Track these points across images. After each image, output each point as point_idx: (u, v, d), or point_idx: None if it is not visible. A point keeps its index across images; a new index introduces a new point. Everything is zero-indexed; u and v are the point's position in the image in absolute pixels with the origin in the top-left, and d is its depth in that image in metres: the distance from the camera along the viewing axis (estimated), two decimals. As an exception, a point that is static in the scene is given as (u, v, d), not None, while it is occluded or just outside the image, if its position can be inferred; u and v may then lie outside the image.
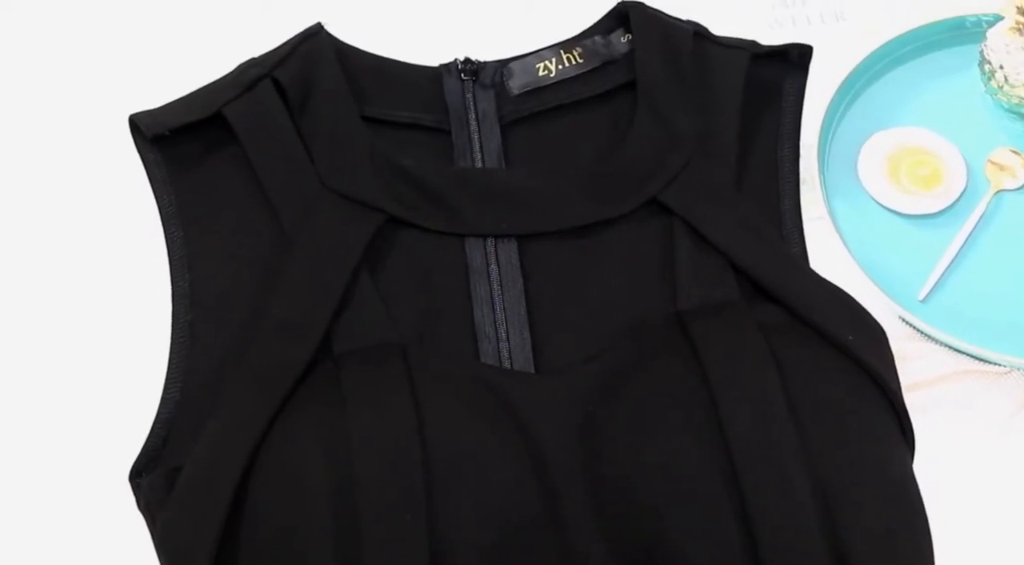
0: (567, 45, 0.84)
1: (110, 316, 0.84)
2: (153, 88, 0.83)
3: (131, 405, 0.75)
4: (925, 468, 0.71)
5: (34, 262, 0.86)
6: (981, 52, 0.90)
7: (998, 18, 0.89)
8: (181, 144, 0.79)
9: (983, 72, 0.90)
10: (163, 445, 0.71)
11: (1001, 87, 0.89)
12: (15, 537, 0.78)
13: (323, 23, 0.82)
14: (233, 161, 0.78)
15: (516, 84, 0.83)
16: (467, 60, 0.82)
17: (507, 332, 0.75)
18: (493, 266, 0.76)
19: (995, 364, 0.80)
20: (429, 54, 0.84)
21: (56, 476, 0.79)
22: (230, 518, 0.66)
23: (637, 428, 0.70)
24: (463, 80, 0.82)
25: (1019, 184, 0.88)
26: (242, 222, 0.77)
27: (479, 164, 0.80)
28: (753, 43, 0.83)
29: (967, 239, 0.85)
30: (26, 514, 0.78)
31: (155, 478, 0.69)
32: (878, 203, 0.87)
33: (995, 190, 0.87)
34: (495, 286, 0.76)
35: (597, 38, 0.84)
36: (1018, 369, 0.80)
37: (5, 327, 0.84)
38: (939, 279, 0.84)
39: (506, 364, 0.74)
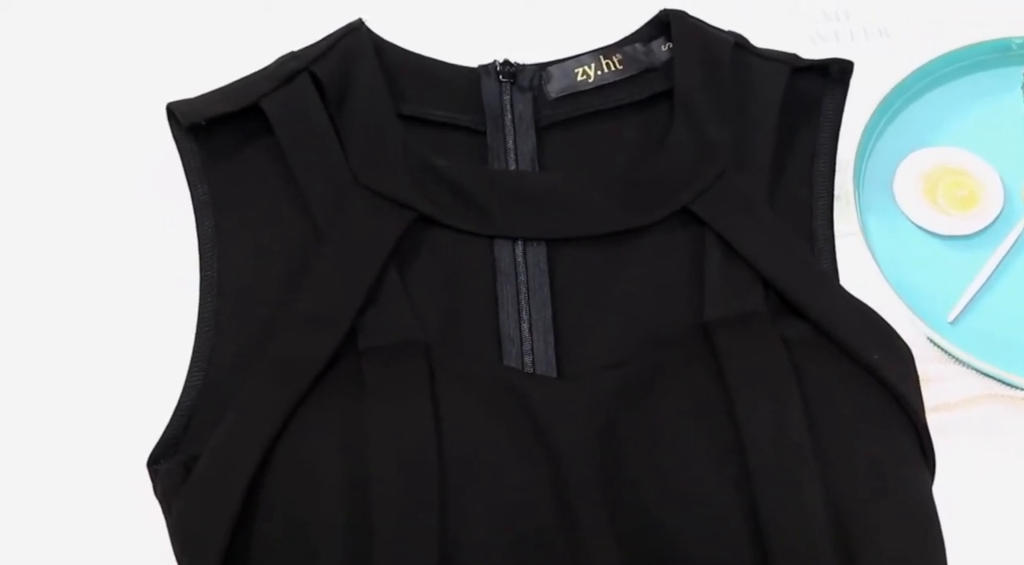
0: (607, 51, 0.84)
1: (138, 302, 0.84)
2: (188, 78, 0.84)
3: (154, 391, 0.75)
4: (946, 491, 0.71)
5: (64, 247, 0.87)
6: (1024, 74, 0.90)
7: (1044, 41, 0.89)
8: (217, 134, 0.79)
9: (1026, 95, 0.90)
10: (183, 433, 0.71)
11: (1043, 111, 0.88)
12: (31, 520, 0.78)
13: (363, 19, 0.83)
14: (267, 153, 0.78)
15: (554, 88, 0.83)
16: (506, 62, 0.82)
17: (531, 336, 0.75)
18: (521, 269, 0.76)
19: (1022, 390, 0.80)
20: (458, 54, 0.84)
21: (77, 460, 0.79)
22: (244, 509, 0.67)
23: (656, 439, 0.70)
24: (501, 82, 0.82)
25: (1056, 209, 0.88)
26: (273, 214, 0.77)
27: (512, 166, 0.80)
28: (794, 56, 0.83)
29: (1000, 262, 0.85)
30: (46, 498, 0.79)
31: (173, 465, 0.70)
32: (912, 222, 0.87)
33: (1031, 214, 0.87)
34: (522, 289, 0.76)
35: (638, 45, 0.84)
36: (1046, 396, 0.80)
37: (34, 312, 0.85)
38: (970, 302, 0.83)
39: (528, 368, 0.74)
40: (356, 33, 0.82)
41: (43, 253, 0.87)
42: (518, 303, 0.76)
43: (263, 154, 0.79)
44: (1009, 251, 0.85)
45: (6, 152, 0.91)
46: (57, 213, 0.88)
